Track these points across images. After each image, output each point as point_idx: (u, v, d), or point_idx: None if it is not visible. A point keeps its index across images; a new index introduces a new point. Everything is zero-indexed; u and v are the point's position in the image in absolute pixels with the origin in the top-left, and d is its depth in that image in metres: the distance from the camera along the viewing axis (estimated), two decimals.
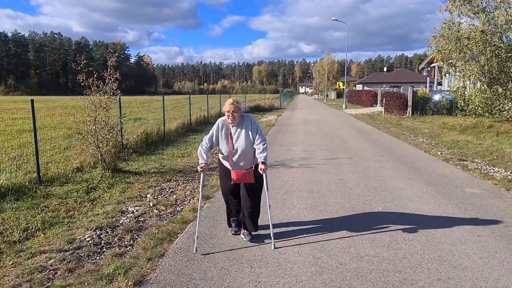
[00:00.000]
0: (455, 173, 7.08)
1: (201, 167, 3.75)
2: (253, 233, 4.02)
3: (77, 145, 7.34)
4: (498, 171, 7.43)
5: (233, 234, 4.12)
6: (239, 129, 3.80)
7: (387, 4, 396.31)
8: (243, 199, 3.95)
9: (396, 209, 4.90)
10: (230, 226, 4.23)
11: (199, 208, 3.96)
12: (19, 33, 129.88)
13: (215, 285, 3.07)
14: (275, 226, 4.31)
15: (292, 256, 3.57)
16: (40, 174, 6.43)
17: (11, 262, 3.57)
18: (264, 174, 3.75)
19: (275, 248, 3.70)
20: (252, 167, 3.81)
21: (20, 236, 4.18)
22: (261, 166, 3.67)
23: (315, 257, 3.53)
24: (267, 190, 3.83)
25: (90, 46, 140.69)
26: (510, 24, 13.21)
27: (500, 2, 13.48)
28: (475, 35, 13.39)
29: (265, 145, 3.77)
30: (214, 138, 3.84)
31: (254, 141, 3.79)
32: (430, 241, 3.85)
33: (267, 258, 3.53)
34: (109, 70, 6.98)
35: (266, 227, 4.12)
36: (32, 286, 3.11)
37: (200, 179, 4.01)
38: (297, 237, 4.04)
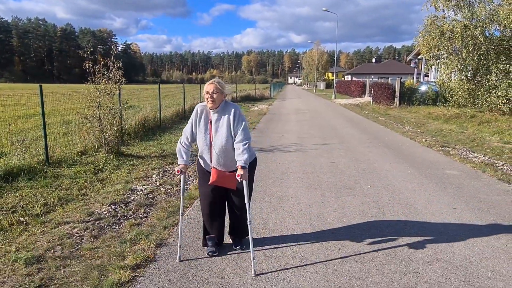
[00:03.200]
0: (437, 158, 7.65)
1: (179, 170, 3.11)
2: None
3: (83, 129, 7.65)
4: (477, 156, 8.02)
5: (209, 256, 3.32)
6: (221, 118, 3.12)
7: None
8: (229, 206, 3.40)
9: (382, 187, 5.42)
10: (205, 245, 3.45)
11: (180, 215, 3.42)
12: (2, 18, 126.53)
13: (227, 245, 3.52)
14: (277, 197, 4.78)
15: (292, 224, 4.04)
16: (48, 156, 6.75)
17: (39, 231, 3.95)
18: (244, 182, 3.01)
19: (256, 275, 3.01)
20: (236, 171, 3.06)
21: (41, 210, 4.55)
22: (238, 172, 2.93)
23: (312, 225, 4.01)
24: (248, 202, 3.08)
25: (76, 33, 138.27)
26: (492, 18, 13.81)
27: None
28: (458, 30, 13.96)
29: (247, 145, 3.01)
30: (194, 128, 3.19)
31: (235, 136, 3.08)
32: (412, 212, 4.38)
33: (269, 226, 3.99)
34: (112, 58, 7.28)
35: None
36: (64, 249, 3.51)
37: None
38: (295, 209, 4.51)
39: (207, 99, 3.08)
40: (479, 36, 13.91)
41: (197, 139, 3.21)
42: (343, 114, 18.11)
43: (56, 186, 5.54)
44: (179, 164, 3.19)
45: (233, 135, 3.09)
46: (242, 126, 3.09)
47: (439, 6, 15.49)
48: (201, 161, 3.32)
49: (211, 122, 3.13)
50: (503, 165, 7.14)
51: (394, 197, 4.97)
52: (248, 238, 3.18)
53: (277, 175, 6.13)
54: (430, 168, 6.64)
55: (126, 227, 4.06)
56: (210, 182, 3.14)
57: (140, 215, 4.47)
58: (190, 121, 3.21)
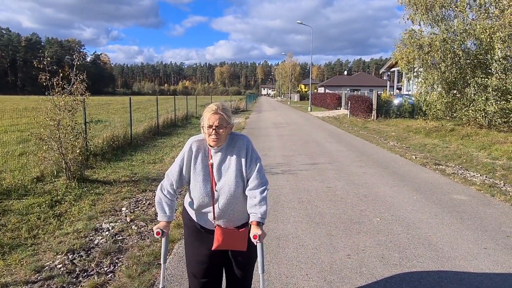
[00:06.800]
0: (436, 179, 7.08)
1: (159, 232, 2.18)
2: None
3: (38, 152, 6.55)
4: (474, 175, 7.55)
5: None
6: (226, 158, 2.23)
7: (346, 9, 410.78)
8: (228, 272, 2.42)
9: (394, 220, 4.71)
10: None
11: None
12: None
13: None
14: (275, 237, 3.96)
15: (301, 280, 3.23)
16: None
17: None
18: (259, 245, 2.16)
19: None
20: (248, 225, 2.22)
21: None
22: (255, 232, 2.10)
23: (326, 280, 3.20)
24: (262, 272, 2.18)
25: (42, 43, 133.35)
26: (469, 32, 13.82)
27: (459, 11, 14.07)
28: (436, 43, 13.88)
29: (265, 192, 2.20)
30: (185, 171, 2.24)
31: (247, 180, 2.22)
32: (440, 256, 3.66)
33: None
34: (75, 70, 6.29)
35: None
36: None
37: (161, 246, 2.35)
38: (300, 256, 3.70)
39: (210, 135, 2.14)
40: (457, 50, 13.88)
41: (190, 188, 2.25)
42: (323, 127, 17.61)
43: (0, 227, 4.47)
44: (159, 221, 2.23)
45: (244, 179, 2.22)
46: (258, 167, 2.22)
47: (416, 20, 15.49)
48: (192, 214, 2.33)
49: (212, 165, 2.21)
50: (504, 185, 6.69)
51: (411, 234, 4.25)
52: None
53: (269, 205, 5.30)
54: (436, 193, 6.02)
55: None
56: (214, 247, 2.19)
57: (105, 269, 3.52)
58: (178, 161, 2.25)
